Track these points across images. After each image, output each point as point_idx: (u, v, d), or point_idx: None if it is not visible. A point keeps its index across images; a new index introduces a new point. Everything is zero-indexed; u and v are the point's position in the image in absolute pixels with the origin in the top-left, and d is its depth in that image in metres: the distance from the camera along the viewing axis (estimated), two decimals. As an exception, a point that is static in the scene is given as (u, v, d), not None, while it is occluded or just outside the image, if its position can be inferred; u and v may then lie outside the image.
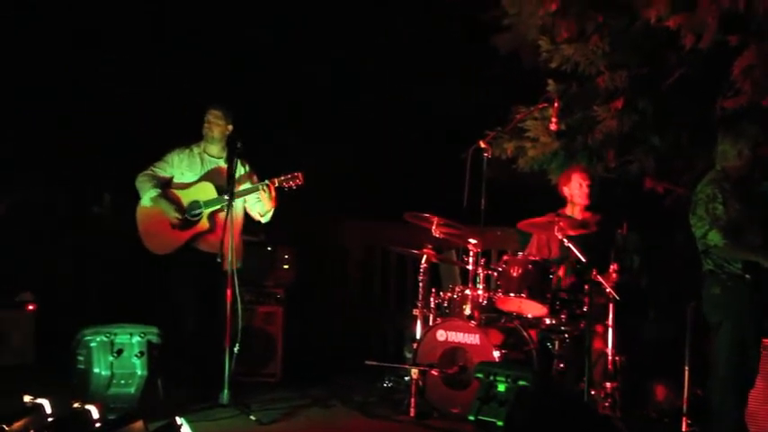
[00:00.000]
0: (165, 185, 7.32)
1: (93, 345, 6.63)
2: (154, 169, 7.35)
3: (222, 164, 7.37)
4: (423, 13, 10.28)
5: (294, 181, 6.99)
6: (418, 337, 7.18)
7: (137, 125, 9.62)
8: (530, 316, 7.15)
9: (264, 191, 7.02)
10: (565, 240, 6.87)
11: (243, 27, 10.32)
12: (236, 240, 7.08)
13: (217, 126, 7.34)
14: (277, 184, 7.02)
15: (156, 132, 9.12)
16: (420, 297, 7.34)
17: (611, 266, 6.79)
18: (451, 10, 9.23)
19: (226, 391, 6.75)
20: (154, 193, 7.22)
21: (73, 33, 9.50)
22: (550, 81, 8.04)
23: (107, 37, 9.74)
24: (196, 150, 7.42)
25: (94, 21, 9.59)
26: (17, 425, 4.93)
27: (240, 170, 7.30)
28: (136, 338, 6.68)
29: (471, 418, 5.64)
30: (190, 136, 7.52)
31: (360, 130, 10.58)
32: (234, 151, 7.08)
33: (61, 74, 9.42)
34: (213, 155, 7.39)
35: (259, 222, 7.43)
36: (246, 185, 7.18)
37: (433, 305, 7.34)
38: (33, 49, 9.32)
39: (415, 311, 7.35)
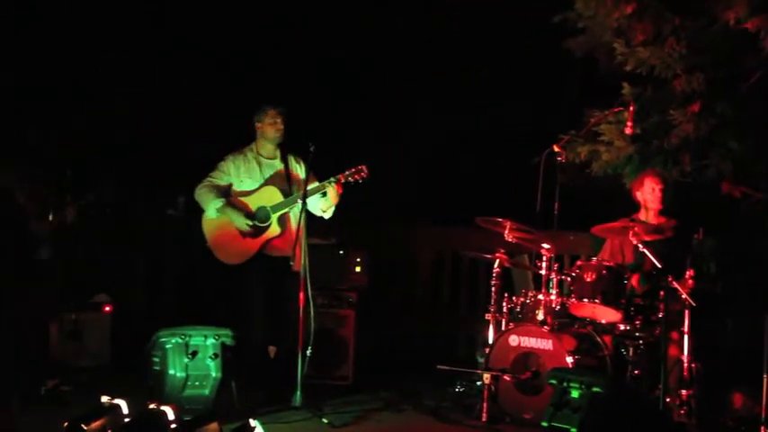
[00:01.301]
0: (227, 194, 7.31)
1: (168, 347, 6.70)
2: (211, 179, 7.33)
3: (278, 165, 7.35)
4: (494, 15, 10.24)
5: (359, 174, 6.99)
6: (491, 341, 7.15)
7: (210, 127, 9.73)
8: (603, 322, 7.08)
9: (332, 187, 7.03)
10: (640, 246, 6.79)
11: (326, 39, 10.36)
12: (301, 240, 7.11)
13: (274, 126, 7.30)
14: (343, 180, 7.03)
15: (223, 134, 9.23)
16: (492, 302, 7.31)
17: (687, 272, 6.69)
18: (524, 12, 9.19)
19: (298, 393, 6.78)
20: (219, 203, 7.20)
21: (151, 34, 9.63)
22: (625, 84, 7.96)
23: (190, 40, 9.84)
24: (250, 155, 7.38)
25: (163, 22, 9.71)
26: (95, 424, 5.01)
27: (297, 168, 7.38)
28: (210, 341, 6.74)
29: (544, 424, 5.61)
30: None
31: (430, 134, 10.58)
32: (308, 153, 7.05)
33: (134, 76, 9.56)
34: (267, 156, 7.36)
35: (330, 226, 7.45)
36: (313, 185, 7.17)
37: (505, 310, 7.30)
38: (106, 51, 9.45)
39: (488, 316, 7.32)
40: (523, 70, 10.21)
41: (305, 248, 6.87)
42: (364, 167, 6.99)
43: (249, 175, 7.33)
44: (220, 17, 10.21)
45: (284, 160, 7.38)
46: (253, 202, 7.27)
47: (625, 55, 8.02)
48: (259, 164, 7.35)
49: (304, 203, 6.93)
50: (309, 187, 7.11)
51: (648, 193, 7.36)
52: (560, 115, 8.35)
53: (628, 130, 7.43)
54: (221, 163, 7.39)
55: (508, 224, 7.16)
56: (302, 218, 6.90)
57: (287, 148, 7.42)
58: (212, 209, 7.22)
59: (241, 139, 7.50)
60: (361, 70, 10.65)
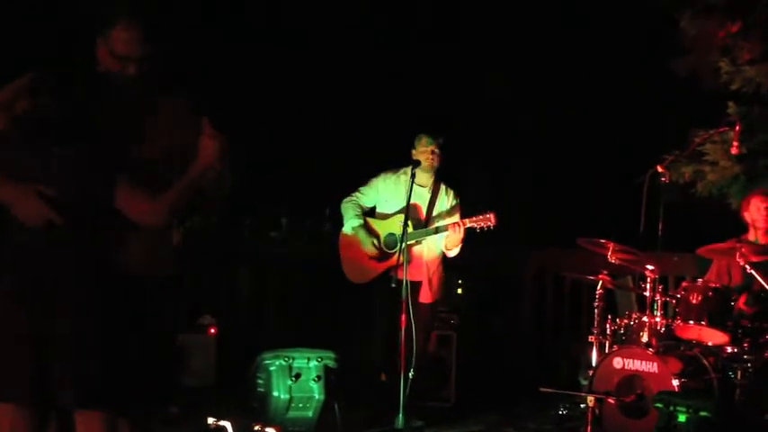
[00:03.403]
0: (369, 213, 7.41)
1: (272, 368, 6.77)
2: (358, 195, 7.42)
3: (426, 194, 7.32)
4: (600, 33, 10.20)
5: (486, 222, 6.94)
6: (594, 364, 7.08)
7: (311, 149, 9.85)
8: (710, 344, 6.96)
9: (455, 231, 7.01)
10: (747, 267, 6.67)
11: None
12: (439, 271, 7.30)
13: (425, 155, 7.22)
14: (468, 225, 7.01)
15: (333, 157, 9.33)
16: (596, 323, 7.24)
17: (798, 294, 6.56)
18: (630, 31, 9.13)
19: (401, 415, 6.79)
20: (356, 222, 7.29)
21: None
22: (731, 103, 7.87)
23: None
24: (403, 177, 7.32)
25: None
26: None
27: (443, 198, 7.35)
28: (313, 363, 6.79)
29: (651, 448, 5.54)
30: (373, 162, 7.61)
31: (532, 156, 10.56)
32: (439, 182, 7.08)
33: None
34: (420, 183, 7.27)
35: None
36: (446, 221, 7.16)
37: (609, 332, 7.22)
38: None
39: (591, 338, 7.24)
40: (628, 90, 10.14)
41: (405, 274, 6.87)
42: (492, 216, 6.91)
43: (395, 197, 7.34)
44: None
45: (434, 191, 7.38)
46: (384, 228, 7.32)
47: (731, 74, 7.94)
48: (407, 189, 7.17)
49: (405, 232, 6.92)
50: (438, 224, 7.17)
51: (756, 213, 7.23)
52: (665, 135, 8.26)
53: (734, 150, 7.31)
54: (374, 179, 7.46)
55: (611, 245, 7.08)
56: (402, 248, 6.88)
57: (442, 178, 7.42)
58: (349, 226, 7.33)
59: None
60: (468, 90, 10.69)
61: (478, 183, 7.40)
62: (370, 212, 7.44)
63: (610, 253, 7.10)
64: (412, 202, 7.09)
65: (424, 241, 7.15)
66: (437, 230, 7.13)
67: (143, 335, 3.87)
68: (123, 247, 3.89)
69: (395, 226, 7.24)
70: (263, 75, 10.00)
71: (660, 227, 7.06)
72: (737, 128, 7.27)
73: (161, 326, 3.94)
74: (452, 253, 7.27)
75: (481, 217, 6.95)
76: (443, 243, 7.21)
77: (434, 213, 7.29)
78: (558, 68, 10.51)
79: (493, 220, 6.92)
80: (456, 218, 7.18)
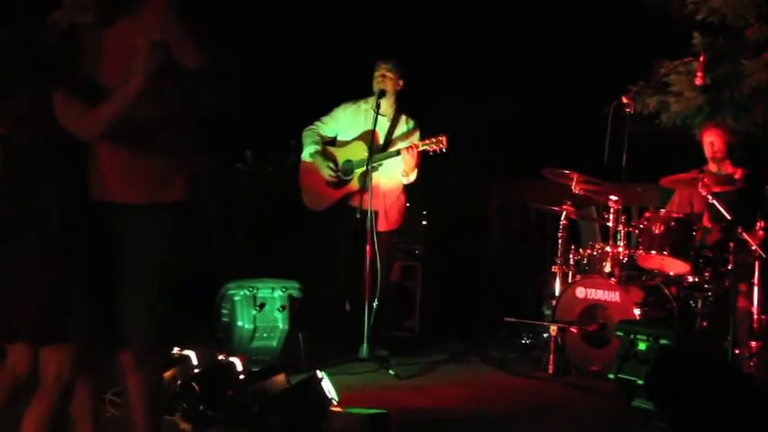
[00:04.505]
0: (330, 143, 7.39)
1: (236, 299, 6.80)
2: (318, 124, 7.40)
3: (386, 123, 7.26)
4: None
5: (438, 144, 6.90)
6: (557, 294, 7.13)
7: (277, 83, 9.75)
8: (672, 274, 7.03)
9: (407, 153, 6.98)
10: (709, 197, 6.71)
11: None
12: (399, 200, 7.27)
13: (389, 80, 7.22)
14: (420, 148, 6.99)
15: (297, 90, 9.24)
16: (559, 254, 7.28)
17: (758, 223, 6.60)
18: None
19: (365, 345, 6.82)
20: (313, 149, 7.28)
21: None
22: (696, 34, 7.85)
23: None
24: (364, 106, 7.32)
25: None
26: (165, 375, 5.08)
27: (402, 127, 7.31)
28: (278, 293, 6.82)
29: (611, 376, 5.59)
30: (332, 93, 7.56)
31: (495, 88, 10.49)
32: (398, 107, 7.07)
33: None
34: (382, 113, 7.19)
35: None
36: (400, 145, 7.14)
37: (572, 262, 7.27)
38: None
39: (555, 268, 7.29)
40: (592, 19, 10.07)
41: (370, 205, 6.88)
42: (444, 139, 6.85)
43: (353, 126, 7.33)
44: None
45: (394, 119, 7.34)
46: (342, 154, 7.31)
47: (697, 4, 7.91)
48: (366, 117, 7.24)
49: (369, 163, 6.94)
50: (394, 148, 7.12)
51: (707, 146, 7.27)
52: (630, 66, 8.23)
53: (698, 81, 7.31)
54: (336, 108, 7.44)
55: (575, 176, 7.09)
56: (369, 176, 6.92)
57: (403, 106, 7.38)
58: (307, 153, 7.33)
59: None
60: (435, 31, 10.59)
61: (450, 117, 7.32)
62: (333, 143, 7.40)
63: (574, 184, 7.12)
64: (371, 129, 7.11)
65: (381, 168, 7.10)
66: (390, 155, 7.09)
67: (128, 263, 3.82)
68: (99, 173, 3.85)
69: (352, 153, 7.24)
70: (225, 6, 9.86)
71: (624, 158, 7.06)
72: (702, 58, 7.27)
73: (152, 255, 3.84)
74: (409, 179, 7.20)
75: (434, 139, 6.91)
76: (401, 169, 7.19)
77: (392, 139, 7.26)
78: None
79: (445, 142, 6.87)
80: (411, 142, 7.14)
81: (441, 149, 6.88)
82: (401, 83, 7.26)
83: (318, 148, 7.29)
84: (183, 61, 3.78)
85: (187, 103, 3.89)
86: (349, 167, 7.22)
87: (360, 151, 7.17)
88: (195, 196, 3.99)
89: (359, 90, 7.39)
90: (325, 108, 7.49)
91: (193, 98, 3.89)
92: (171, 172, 3.91)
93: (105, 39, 3.85)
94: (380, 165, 7.08)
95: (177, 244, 3.92)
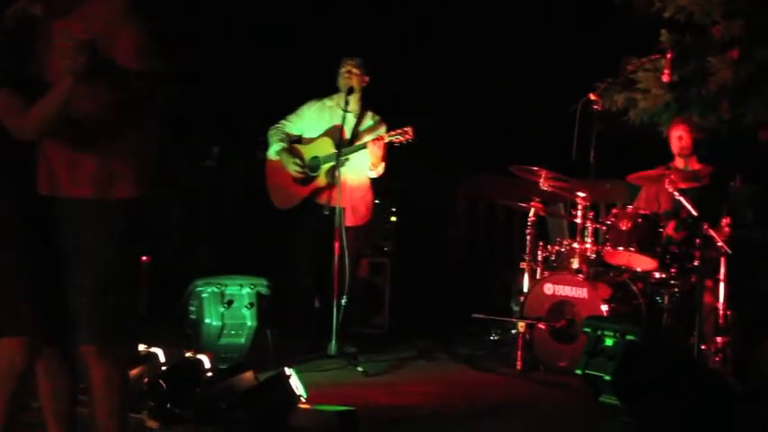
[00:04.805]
0: (296, 141, 7.37)
1: (204, 295, 6.77)
2: (284, 123, 7.40)
3: (351, 119, 7.27)
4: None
5: (404, 135, 6.92)
6: (525, 290, 7.15)
7: (248, 79, 9.71)
8: (639, 270, 7.06)
9: (374, 145, 6.99)
10: (675, 193, 6.75)
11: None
12: (366, 196, 7.27)
13: (355, 77, 7.23)
14: (386, 140, 6.99)
15: (265, 87, 9.20)
16: (527, 250, 7.30)
17: (724, 220, 6.64)
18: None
19: (333, 342, 6.82)
20: (279, 146, 7.27)
21: None
22: (663, 31, 7.89)
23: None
24: (329, 104, 7.35)
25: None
26: (132, 373, 5.06)
27: (368, 122, 7.30)
28: (246, 290, 6.79)
29: (579, 372, 5.60)
30: (302, 90, 7.54)
31: (463, 85, 10.50)
32: (363, 104, 7.06)
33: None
34: (348, 109, 7.20)
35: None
36: (366, 139, 7.12)
37: (540, 259, 7.30)
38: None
39: (523, 265, 7.31)
40: (561, 17, 10.10)
41: (338, 200, 6.88)
42: (410, 130, 6.89)
43: (318, 123, 7.34)
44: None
45: (359, 115, 7.32)
46: (308, 151, 7.29)
47: (664, 1, 7.94)
48: (332, 114, 7.29)
49: (338, 157, 6.94)
50: (358, 144, 7.12)
51: (675, 141, 7.32)
52: (597, 63, 8.25)
53: (665, 78, 7.36)
54: (300, 108, 7.44)
55: (543, 173, 7.12)
56: (338, 171, 6.92)
57: (368, 103, 7.38)
58: (273, 150, 7.32)
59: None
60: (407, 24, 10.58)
61: (417, 113, 7.31)
62: (299, 141, 7.39)
63: (542, 180, 7.15)
64: (336, 125, 7.14)
65: (347, 164, 7.09)
66: (358, 148, 7.09)
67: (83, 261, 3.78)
68: (46, 168, 3.81)
69: (318, 149, 7.24)
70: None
71: (592, 154, 7.09)
72: (669, 55, 7.31)
73: (99, 250, 3.79)
74: (374, 173, 7.22)
75: (399, 130, 6.93)
76: (368, 163, 7.18)
77: (359, 134, 7.25)
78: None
79: (411, 133, 6.89)
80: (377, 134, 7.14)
81: (407, 141, 6.90)
82: (366, 79, 7.28)
83: (284, 145, 7.28)
84: (124, 60, 3.71)
85: (127, 101, 3.78)
86: (316, 163, 7.20)
87: (326, 147, 7.17)
88: (148, 193, 3.91)
89: (323, 89, 7.41)
90: (295, 105, 7.48)
91: (134, 97, 3.79)
92: (119, 168, 3.83)
93: (53, 31, 3.80)
94: (347, 159, 7.08)
95: (127, 240, 3.86)
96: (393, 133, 6.94)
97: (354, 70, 7.22)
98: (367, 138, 7.10)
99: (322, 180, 7.15)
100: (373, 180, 7.29)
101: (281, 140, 7.30)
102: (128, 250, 3.89)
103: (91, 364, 3.86)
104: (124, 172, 3.83)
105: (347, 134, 7.17)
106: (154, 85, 3.82)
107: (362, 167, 7.18)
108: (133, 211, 3.87)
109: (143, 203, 3.90)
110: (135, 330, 4.24)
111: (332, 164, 7.07)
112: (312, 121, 7.36)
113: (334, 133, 7.16)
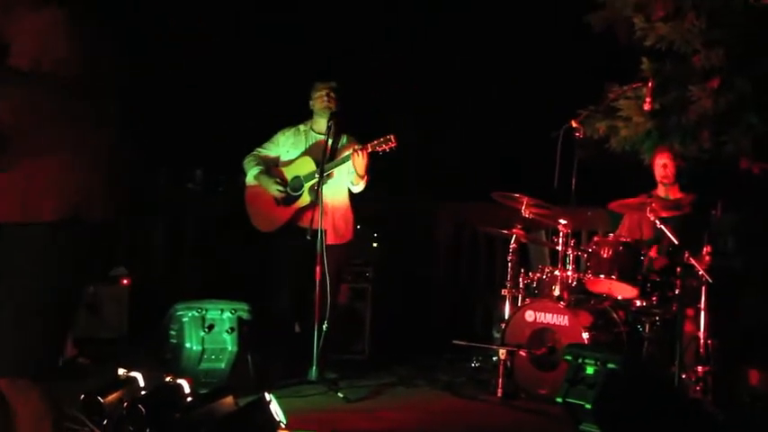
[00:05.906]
0: (273, 165, 7.38)
1: (185, 320, 6.73)
2: (260, 150, 7.43)
3: (330, 139, 7.22)
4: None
5: (388, 144, 6.91)
6: (507, 317, 7.15)
7: (231, 103, 9.73)
8: (620, 298, 7.08)
9: (358, 155, 6.98)
10: (657, 222, 6.77)
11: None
12: (347, 214, 7.27)
13: (333, 100, 7.24)
14: (370, 149, 6.98)
15: (248, 112, 9.21)
16: (509, 277, 7.31)
17: (705, 248, 6.67)
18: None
19: (314, 367, 6.80)
20: (256, 170, 7.29)
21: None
22: (645, 59, 7.94)
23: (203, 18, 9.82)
24: (302, 129, 7.41)
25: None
26: (111, 397, 5.03)
27: (343, 141, 7.30)
28: (227, 314, 6.76)
29: (559, 399, 5.62)
30: (284, 115, 7.55)
31: (448, 111, 10.54)
32: (338, 125, 7.08)
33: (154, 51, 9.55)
34: (319, 131, 7.30)
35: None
36: (348, 152, 7.12)
37: (521, 286, 7.30)
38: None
39: (504, 292, 7.31)
40: (543, 45, 10.16)
41: (321, 223, 6.86)
42: (392, 137, 6.89)
43: (295, 147, 7.37)
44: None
45: (336, 136, 7.30)
46: (289, 172, 7.31)
47: (644, 30, 8.00)
48: (306, 137, 7.36)
49: (321, 175, 6.94)
50: (339, 158, 7.13)
51: (656, 168, 7.36)
52: (579, 90, 8.30)
53: (646, 106, 7.40)
54: (275, 135, 7.48)
55: (525, 200, 7.13)
56: (320, 189, 6.92)
57: (343, 125, 7.35)
58: (251, 175, 7.33)
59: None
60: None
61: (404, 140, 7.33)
62: (276, 165, 7.40)
63: (524, 207, 7.16)
64: (314, 143, 7.26)
65: (329, 182, 7.11)
66: (343, 160, 7.09)
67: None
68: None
69: (299, 168, 7.26)
70: (177, 25, 9.83)
71: (573, 182, 7.11)
72: (650, 84, 7.36)
73: (16, 278, 3.49)
74: (358, 188, 7.21)
75: (382, 139, 6.93)
76: (349, 180, 7.19)
77: (337, 150, 7.24)
78: (473, 22, 10.48)
79: (394, 140, 6.89)
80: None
81: (390, 148, 6.91)
82: (336, 102, 7.30)
83: (262, 167, 7.31)
84: (18, 59, 3.38)
85: (34, 108, 3.41)
86: (298, 183, 7.21)
87: (307, 166, 7.19)
88: (88, 215, 3.57)
89: (302, 113, 7.45)
90: (271, 132, 7.51)
91: (36, 103, 3.42)
92: (46, 187, 3.47)
93: None
94: (329, 176, 7.08)
95: (55, 267, 3.53)
96: (377, 141, 6.94)
97: (332, 93, 7.25)
98: (349, 152, 7.08)
99: (305, 199, 7.13)
100: (353, 199, 7.29)
101: (258, 164, 7.32)
102: (53, 279, 3.54)
103: (10, 397, 3.58)
104: (52, 192, 3.49)
105: (329, 155, 7.18)
106: (65, 92, 3.45)
107: (342, 186, 7.22)
108: (66, 235, 3.53)
109: (85, 227, 3.59)
110: (52, 367, 3.69)
111: (314, 181, 7.06)
112: (288, 145, 7.39)
113: (314, 152, 7.19)
